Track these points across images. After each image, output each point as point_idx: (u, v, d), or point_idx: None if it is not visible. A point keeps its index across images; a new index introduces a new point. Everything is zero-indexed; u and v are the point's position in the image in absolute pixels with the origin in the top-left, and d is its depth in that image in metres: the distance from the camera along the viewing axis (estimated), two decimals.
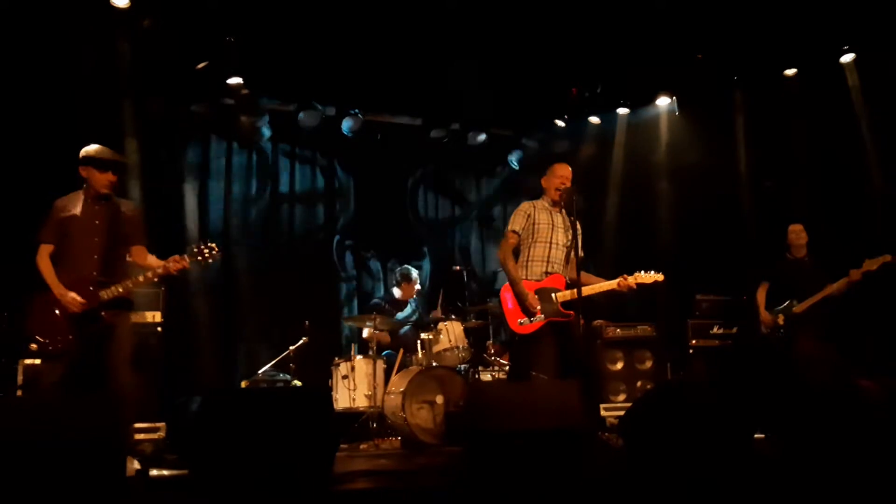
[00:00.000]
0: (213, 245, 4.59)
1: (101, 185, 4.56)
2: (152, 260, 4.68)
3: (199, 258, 4.56)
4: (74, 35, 6.30)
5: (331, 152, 8.40)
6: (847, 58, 7.20)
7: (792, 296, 6.41)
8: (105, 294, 4.48)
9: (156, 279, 4.61)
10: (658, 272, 5.02)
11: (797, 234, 6.56)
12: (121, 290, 4.52)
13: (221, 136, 7.86)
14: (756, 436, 4.17)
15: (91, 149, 4.58)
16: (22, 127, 6.18)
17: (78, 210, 4.52)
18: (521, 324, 4.92)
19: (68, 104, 6.33)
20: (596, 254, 5.38)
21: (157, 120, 7.17)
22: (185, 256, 4.55)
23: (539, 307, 4.89)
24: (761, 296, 6.66)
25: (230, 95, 7.49)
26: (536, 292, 4.95)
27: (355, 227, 8.43)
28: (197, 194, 7.62)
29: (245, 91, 7.44)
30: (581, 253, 5.14)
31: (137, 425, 5.57)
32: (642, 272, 5.01)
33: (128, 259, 4.69)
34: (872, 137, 7.06)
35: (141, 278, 4.56)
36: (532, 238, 5.07)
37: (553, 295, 4.95)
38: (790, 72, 7.53)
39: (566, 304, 4.89)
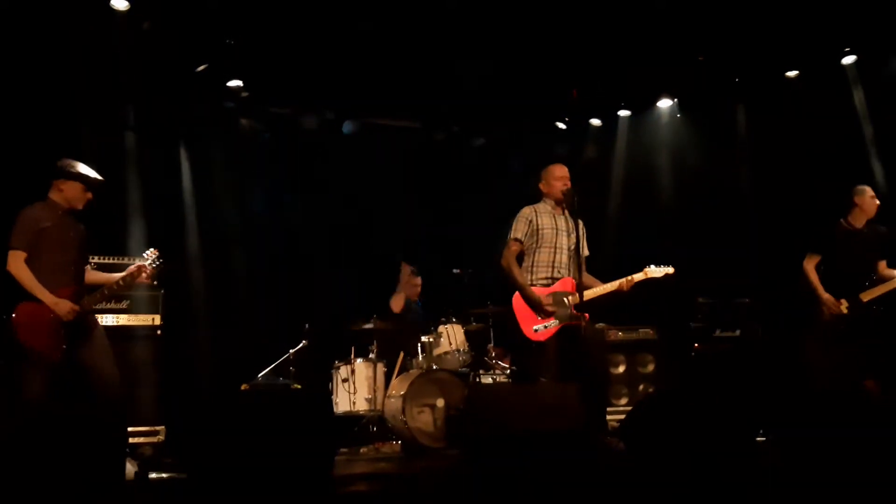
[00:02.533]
0: (154, 249, 4.80)
1: (79, 203, 4.57)
2: (99, 275, 4.81)
3: (153, 264, 4.74)
4: (74, 37, 6.30)
5: (331, 155, 8.38)
6: (849, 59, 7.20)
7: (844, 273, 5.54)
8: (87, 301, 4.51)
9: (125, 286, 4.77)
10: (668, 265, 5.00)
11: (872, 197, 5.61)
12: (98, 296, 4.60)
13: (221, 138, 7.85)
14: (758, 438, 4.15)
15: (80, 166, 4.57)
16: (17, 129, 6.16)
17: (51, 222, 4.48)
18: (535, 331, 4.82)
19: (67, 107, 6.33)
20: (597, 256, 5.32)
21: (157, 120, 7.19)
22: (147, 266, 4.70)
23: (553, 311, 4.83)
24: (813, 270, 5.61)
25: (230, 98, 7.48)
26: (547, 297, 4.88)
27: (355, 230, 8.40)
28: (196, 197, 7.60)
29: (245, 94, 7.44)
30: (587, 252, 5.11)
31: (137, 429, 5.56)
32: (652, 266, 4.98)
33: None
34: (875, 138, 7.05)
35: (115, 286, 4.69)
36: (536, 244, 4.99)
37: (566, 299, 4.89)
38: (792, 73, 7.53)
39: (578, 308, 4.81)
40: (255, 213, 7.98)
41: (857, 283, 5.51)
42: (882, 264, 5.61)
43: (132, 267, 4.73)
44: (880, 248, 5.59)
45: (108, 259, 5.62)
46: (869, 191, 5.66)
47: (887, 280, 5.48)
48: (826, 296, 5.51)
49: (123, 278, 4.68)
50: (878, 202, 5.64)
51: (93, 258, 5.16)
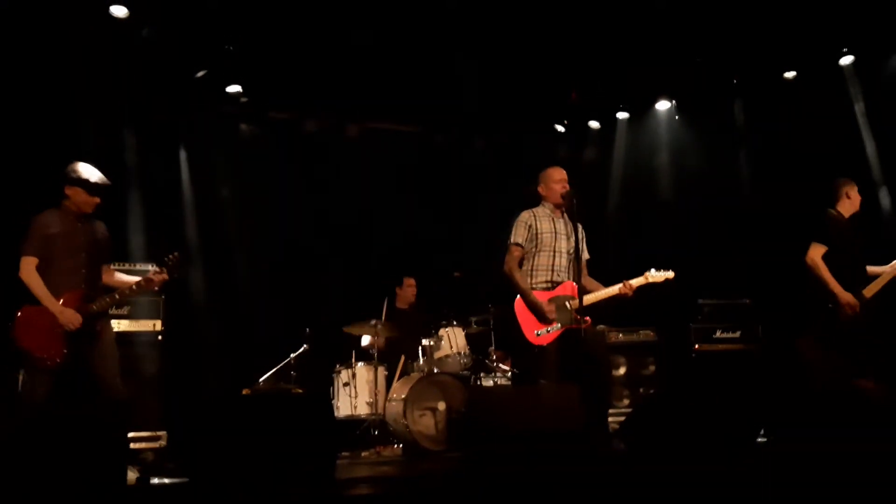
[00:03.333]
0: (176, 253, 4.77)
1: (88, 207, 4.61)
2: (119, 276, 4.81)
3: (174, 269, 4.73)
4: (74, 45, 6.32)
5: (331, 159, 8.40)
6: (846, 60, 7.22)
7: (844, 267, 5.26)
8: (96, 306, 4.51)
9: (138, 291, 4.75)
10: (668, 270, 5.01)
11: (858, 190, 5.44)
12: (108, 300, 4.59)
13: (221, 143, 7.87)
14: (759, 439, 4.16)
15: (84, 171, 4.58)
16: (18, 136, 6.18)
17: (62, 228, 4.52)
18: (538, 335, 4.81)
19: (68, 114, 6.35)
20: (598, 259, 5.33)
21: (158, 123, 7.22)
22: (164, 268, 4.70)
23: (555, 317, 4.84)
24: (823, 264, 5.24)
25: (230, 103, 7.50)
26: (549, 301, 4.89)
27: (356, 234, 8.41)
28: (196, 202, 7.62)
29: (244, 99, 7.46)
30: (587, 255, 5.12)
31: (139, 434, 5.57)
32: (652, 270, 4.99)
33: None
34: (873, 138, 7.07)
35: (127, 290, 4.69)
36: (536, 248, 4.99)
37: (567, 303, 4.89)
38: (790, 74, 7.54)
39: (580, 311, 4.79)
40: (256, 217, 7.99)
41: (855, 277, 5.31)
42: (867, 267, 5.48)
43: (151, 272, 4.74)
44: (864, 244, 5.43)
45: (113, 266, 5.61)
46: (855, 184, 5.53)
47: (880, 274, 5.35)
48: (844, 292, 5.18)
49: (138, 283, 4.69)
50: (860, 196, 5.53)
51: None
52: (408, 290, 7.57)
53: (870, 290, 5.28)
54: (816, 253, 5.29)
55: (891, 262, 5.43)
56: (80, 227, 4.59)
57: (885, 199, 6.97)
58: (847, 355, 5.31)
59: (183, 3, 6.31)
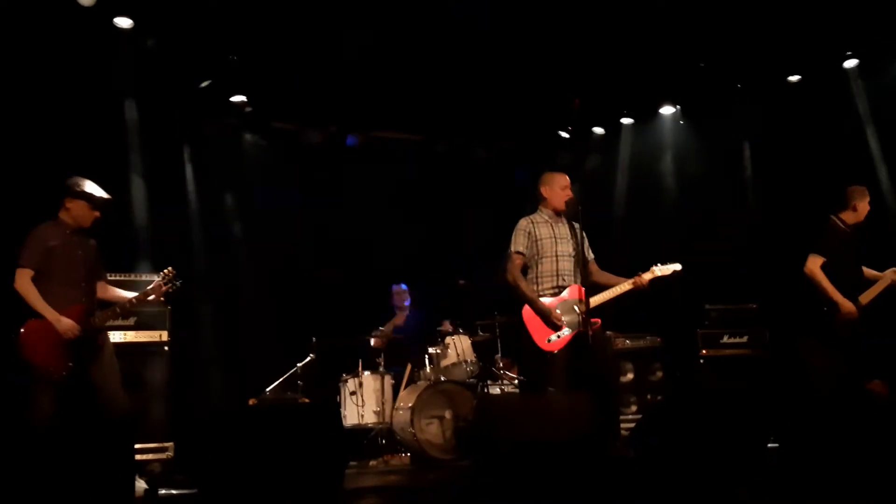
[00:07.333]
0: (171, 269, 4.83)
1: (87, 221, 4.63)
2: (115, 291, 4.84)
3: (170, 284, 4.79)
4: (79, 56, 6.34)
5: (334, 169, 8.40)
6: (850, 63, 7.21)
7: (843, 275, 5.33)
8: (97, 320, 4.51)
9: (137, 305, 4.82)
10: (675, 262, 4.98)
11: (869, 202, 5.46)
12: (108, 314, 4.62)
13: (226, 153, 7.88)
14: (770, 445, 4.14)
15: (88, 186, 4.61)
16: (19, 149, 6.19)
17: (60, 240, 4.54)
18: (549, 342, 4.77)
19: (72, 125, 6.37)
20: (602, 264, 5.30)
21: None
22: (161, 283, 4.76)
23: (563, 321, 4.81)
24: (822, 273, 5.32)
25: (234, 113, 7.52)
26: (558, 307, 4.86)
27: (360, 243, 8.41)
28: (201, 212, 7.63)
29: (249, 109, 7.48)
30: (591, 255, 5.10)
31: (146, 445, 5.57)
32: (659, 265, 4.95)
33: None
34: (878, 142, 7.06)
35: (127, 304, 4.73)
36: (537, 254, 4.96)
37: (576, 307, 4.87)
38: (794, 78, 7.53)
39: (588, 313, 4.72)
40: (261, 227, 8.00)
41: (852, 283, 5.36)
42: (864, 270, 5.52)
43: (149, 287, 4.77)
44: (864, 252, 5.49)
45: (118, 276, 5.62)
46: (868, 194, 5.55)
47: (876, 281, 5.40)
48: (846, 303, 5.27)
49: (137, 297, 4.72)
50: (869, 207, 5.54)
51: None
52: (404, 298, 7.69)
53: (866, 297, 5.35)
54: (815, 264, 5.38)
55: (890, 267, 5.45)
56: (77, 241, 4.61)
57: (889, 200, 6.95)
58: (846, 357, 5.31)
59: (187, 14, 6.32)
